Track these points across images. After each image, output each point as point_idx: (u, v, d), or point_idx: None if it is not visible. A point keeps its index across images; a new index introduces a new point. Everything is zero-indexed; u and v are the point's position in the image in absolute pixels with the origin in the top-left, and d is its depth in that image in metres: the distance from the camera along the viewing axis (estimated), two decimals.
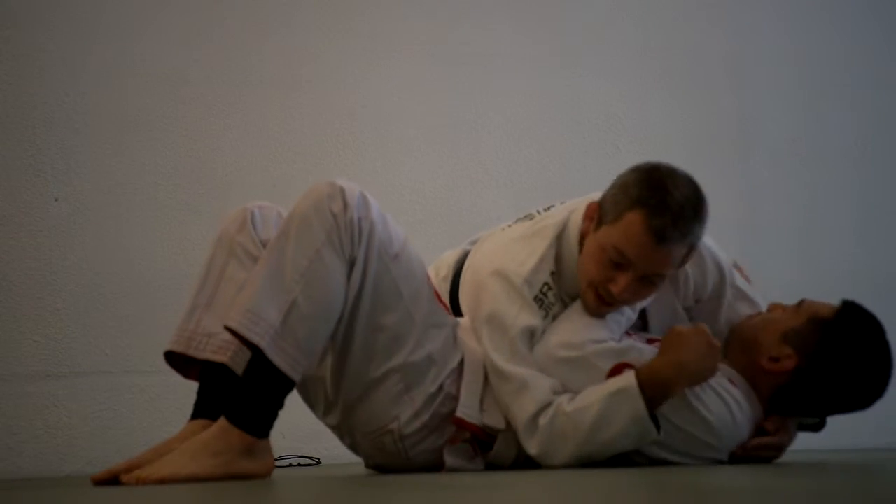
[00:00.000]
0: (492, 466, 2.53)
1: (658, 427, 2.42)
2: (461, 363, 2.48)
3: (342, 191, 2.33)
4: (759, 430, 2.57)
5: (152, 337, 3.37)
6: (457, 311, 2.60)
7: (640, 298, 2.53)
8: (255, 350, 2.27)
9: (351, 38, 4.07)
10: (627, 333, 2.58)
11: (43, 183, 3.69)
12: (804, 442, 2.75)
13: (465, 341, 2.50)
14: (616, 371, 2.45)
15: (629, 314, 2.59)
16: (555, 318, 2.52)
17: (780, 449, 2.62)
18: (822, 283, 4.20)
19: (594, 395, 2.41)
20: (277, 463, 2.53)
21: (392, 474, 2.47)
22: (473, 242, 2.73)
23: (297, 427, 3.14)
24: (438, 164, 4.13)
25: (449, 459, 2.49)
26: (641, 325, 2.68)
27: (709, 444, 2.48)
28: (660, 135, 4.37)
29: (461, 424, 2.46)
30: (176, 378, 2.51)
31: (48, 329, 3.65)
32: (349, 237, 2.31)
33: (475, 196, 4.16)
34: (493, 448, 2.51)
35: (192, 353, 2.44)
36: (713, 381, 2.48)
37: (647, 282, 2.46)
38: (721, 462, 2.52)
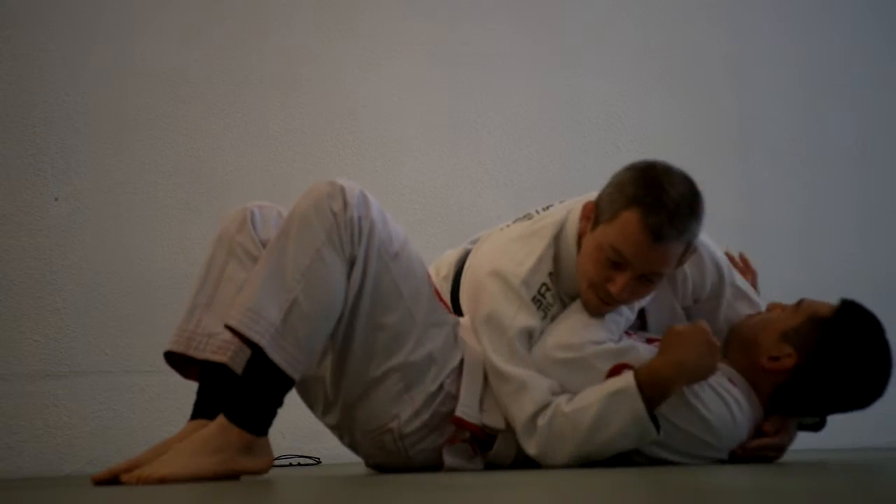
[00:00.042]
0: (491, 466, 2.53)
1: (657, 427, 2.42)
2: (462, 362, 2.48)
3: (342, 190, 2.33)
4: (758, 432, 2.57)
5: (152, 337, 3.38)
6: (458, 310, 2.60)
7: (639, 297, 2.53)
8: (255, 348, 2.27)
9: (351, 38, 4.07)
10: (627, 333, 2.58)
11: (43, 182, 3.70)
12: (804, 442, 2.75)
13: (466, 340, 2.49)
14: (615, 372, 2.45)
15: (628, 314, 2.59)
16: (553, 318, 2.52)
17: (780, 449, 2.62)
18: (822, 283, 4.20)
19: (593, 396, 2.41)
20: (277, 463, 2.53)
21: (392, 474, 2.47)
22: (474, 242, 2.73)
23: (297, 427, 3.14)
24: (438, 164, 4.13)
25: (448, 459, 2.49)
26: (640, 324, 2.68)
27: (708, 444, 2.48)
28: (660, 135, 4.37)
29: (460, 424, 2.46)
30: (176, 378, 2.51)
31: (48, 328, 3.65)
32: (349, 236, 2.31)
33: (475, 196, 4.16)
34: (492, 448, 2.51)
35: (191, 353, 2.44)
36: (713, 381, 2.48)
37: (645, 281, 2.46)
38: (721, 462, 2.52)
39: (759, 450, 2.57)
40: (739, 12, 4.59)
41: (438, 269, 2.71)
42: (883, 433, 4.30)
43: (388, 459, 2.52)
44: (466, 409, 2.46)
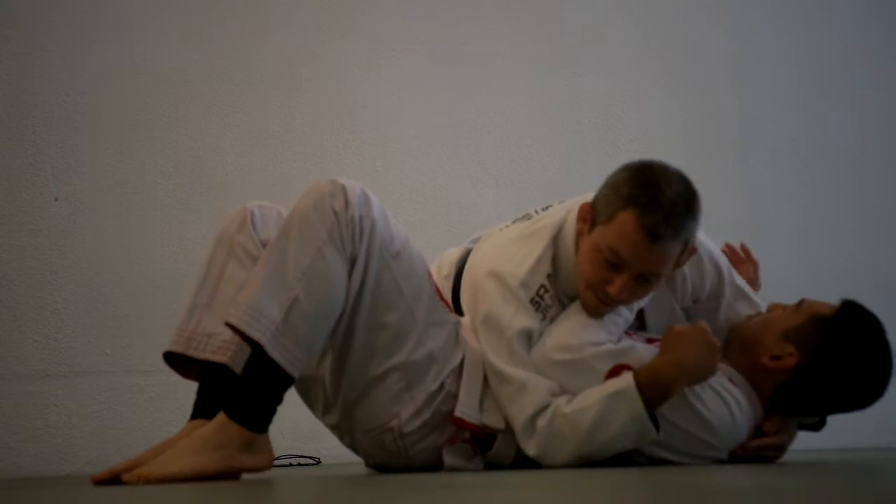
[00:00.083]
0: (491, 466, 2.53)
1: (657, 427, 2.42)
2: (463, 361, 2.48)
3: (343, 189, 2.33)
4: (758, 432, 2.57)
5: (152, 336, 3.38)
6: (459, 309, 2.60)
7: (638, 298, 2.53)
8: (256, 346, 2.27)
9: (351, 38, 4.07)
10: (627, 333, 2.58)
11: (43, 182, 3.70)
12: (804, 442, 2.75)
13: (467, 340, 2.49)
14: (614, 372, 2.45)
15: (626, 315, 2.58)
16: (552, 319, 2.51)
17: (780, 449, 2.62)
18: (822, 282, 4.20)
19: (592, 397, 2.40)
20: (277, 463, 2.53)
21: (392, 474, 2.47)
22: (476, 241, 2.73)
23: (297, 427, 3.14)
24: (438, 164, 4.13)
25: (448, 459, 2.49)
26: (639, 325, 2.68)
27: (708, 444, 2.48)
28: (660, 135, 4.37)
29: (460, 424, 2.46)
30: (176, 378, 2.51)
31: (48, 328, 3.65)
32: (350, 235, 2.31)
33: (475, 196, 4.16)
34: (492, 448, 2.51)
35: (191, 353, 2.43)
36: (713, 381, 2.48)
37: (643, 281, 2.45)
38: (721, 462, 2.52)
39: (759, 450, 2.57)
40: (739, 12, 4.59)
41: (440, 267, 2.71)
42: (883, 433, 4.30)
43: (388, 459, 2.52)
44: (466, 409, 2.46)
